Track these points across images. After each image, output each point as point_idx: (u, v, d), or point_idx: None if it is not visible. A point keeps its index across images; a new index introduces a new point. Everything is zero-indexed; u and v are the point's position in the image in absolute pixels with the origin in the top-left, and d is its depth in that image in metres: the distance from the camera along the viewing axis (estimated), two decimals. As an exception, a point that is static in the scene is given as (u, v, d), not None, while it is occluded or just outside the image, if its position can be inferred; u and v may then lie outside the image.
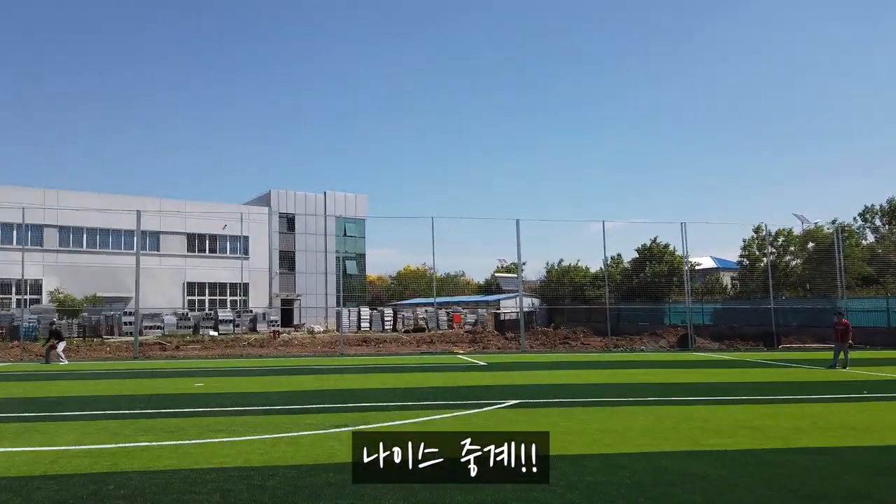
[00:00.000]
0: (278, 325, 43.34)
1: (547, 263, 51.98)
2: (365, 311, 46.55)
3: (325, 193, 54.70)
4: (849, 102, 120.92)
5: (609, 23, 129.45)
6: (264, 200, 53.05)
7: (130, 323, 34.08)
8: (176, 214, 46.31)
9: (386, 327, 45.16)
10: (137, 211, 26.81)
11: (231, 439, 7.70)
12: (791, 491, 5.44)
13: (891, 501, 5.27)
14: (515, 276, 43.69)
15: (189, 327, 38.89)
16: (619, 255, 46.49)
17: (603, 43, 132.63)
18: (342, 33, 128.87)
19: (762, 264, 37.40)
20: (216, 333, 37.45)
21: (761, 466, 6.36)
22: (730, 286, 45.53)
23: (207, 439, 7.71)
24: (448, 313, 47.70)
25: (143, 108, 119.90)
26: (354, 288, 54.33)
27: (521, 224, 27.69)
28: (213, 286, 49.10)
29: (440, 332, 37.18)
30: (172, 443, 7.50)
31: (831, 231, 33.81)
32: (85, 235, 44.70)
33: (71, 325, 34.94)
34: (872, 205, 46.89)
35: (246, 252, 48.04)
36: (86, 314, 37.31)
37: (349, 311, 44.97)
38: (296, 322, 49.58)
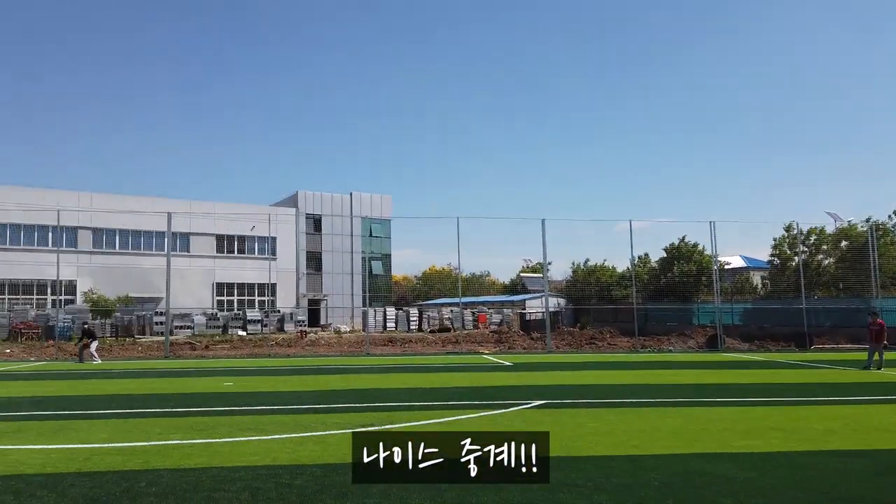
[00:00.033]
0: (305, 325, 43.72)
1: (573, 263, 51.68)
2: (391, 312, 46.73)
3: (350, 194, 55.05)
4: (882, 100, 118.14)
5: (634, 22, 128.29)
6: (291, 202, 53.57)
7: (161, 323, 34.66)
8: (205, 216, 47.04)
9: (411, 327, 45.29)
10: (168, 213, 27.28)
11: (259, 438, 7.79)
12: (823, 494, 5.35)
13: (928, 506, 5.14)
14: (541, 275, 43.53)
15: (218, 327, 39.44)
16: (646, 254, 45.98)
17: (627, 41, 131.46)
18: (367, 34, 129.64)
19: (794, 263, 36.69)
20: (245, 333, 37.92)
21: (793, 469, 6.25)
22: (760, 286, 44.75)
23: (237, 438, 7.82)
24: (473, 313, 47.68)
25: (174, 112, 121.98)
26: (380, 288, 54.59)
27: (546, 224, 27.58)
28: (241, 286, 49.74)
29: (465, 332, 37.17)
30: (203, 441, 7.63)
31: (865, 229, 33.03)
32: (117, 237, 45.61)
33: (104, 324, 35.67)
34: (908, 202, 45.69)
35: (273, 253, 48.55)
36: (118, 314, 38.05)
37: (375, 311, 45.18)
38: (322, 322, 49.97)
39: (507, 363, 20.54)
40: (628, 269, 38.65)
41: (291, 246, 51.92)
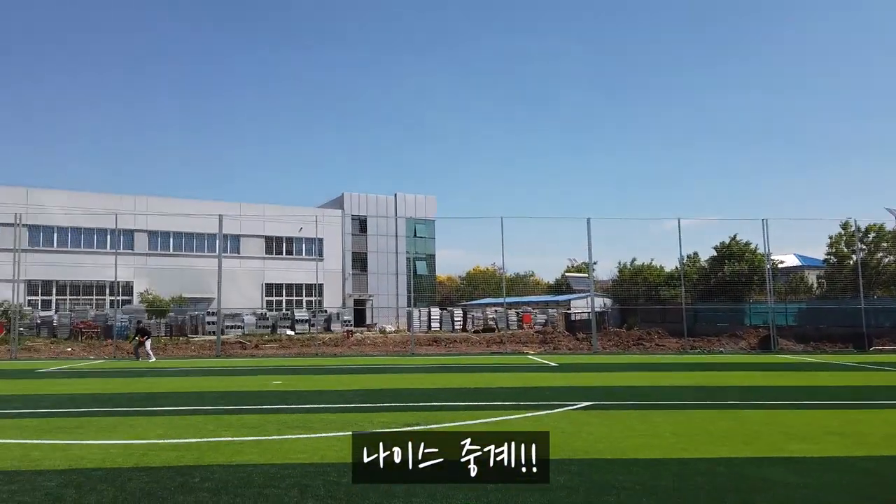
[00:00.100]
0: (351, 325, 44.22)
1: (619, 262, 50.97)
2: (435, 312, 46.85)
3: (395, 195, 55.47)
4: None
5: (680, 22, 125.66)
6: (337, 203, 54.29)
7: (213, 322, 35.54)
8: (255, 218, 48.10)
9: (456, 327, 45.33)
10: (219, 215, 28.00)
11: (308, 436, 7.93)
12: (882, 502, 5.15)
13: None
14: (586, 275, 43.02)
15: (267, 327, 40.22)
16: (695, 253, 45.01)
17: (669, 39, 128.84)
18: (409, 36, 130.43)
19: (851, 262, 35.39)
20: (293, 333, 38.60)
21: (850, 474, 6.04)
22: (815, 285, 43.29)
23: (286, 435, 7.98)
24: (518, 313, 47.43)
25: (224, 117, 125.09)
26: (424, 288, 54.82)
27: (591, 223, 27.27)
28: (289, 287, 50.64)
29: (510, 332, 37.04)
30: (253, 438, 7.80)
31: (928, 226, 31.62)
32: (171, 239, 46.99)
33: (159, 324, 36.81)
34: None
35: (321, 254, 49.27)
36: (172, 314, 39.18)
37: (419, 311, 45.38)
38: (368, 322, 50.48)
39: (553, 364, 20.38)
40: (677, 268, 37.94)
41: (338, 247, 52.61)
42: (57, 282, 43.05)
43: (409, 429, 8.25)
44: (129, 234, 44.39)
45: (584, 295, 48.95)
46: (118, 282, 33.33)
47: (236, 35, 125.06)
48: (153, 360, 23.12)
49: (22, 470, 6.24)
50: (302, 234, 49.74)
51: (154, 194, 47.73)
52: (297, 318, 41.75)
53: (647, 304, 41.05)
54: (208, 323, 38.09)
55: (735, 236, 41.64)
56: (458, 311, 47.89)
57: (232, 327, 38.13)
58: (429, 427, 8.36)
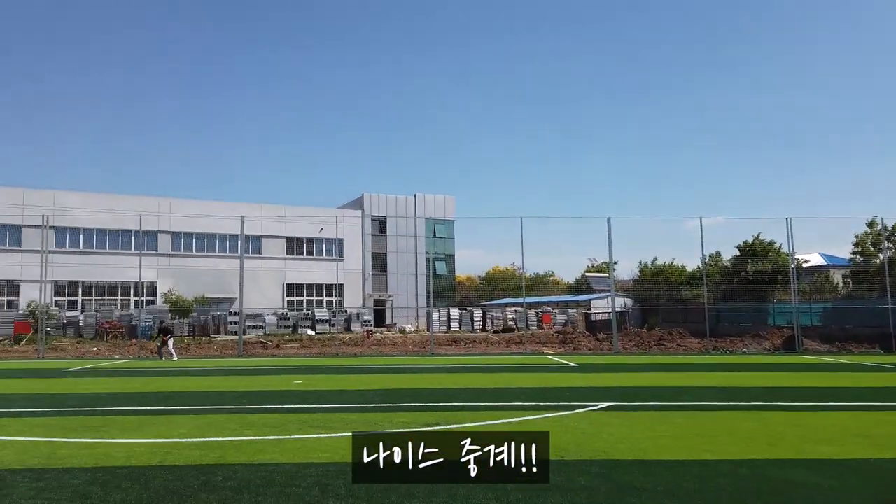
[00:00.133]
0: (371, 325, 44.39)
1: (640, 262, 50.48)
2: (454, 312, 46.83)
3: (414, 196, 55.58)
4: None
5: (705, 21, 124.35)
6: (357, 204, 54.54)
7: (235, 322, 35.87)
8: (276, 219, 48.51)
9: (475, 327, 45.27)
10: (241, 216, 28.28)
11: (329, 435, 7.97)
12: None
13: None
14: (607, 275, 42.71)
15: (288, 327, 40.49)
16: (717, 252, 44.46)
17: (693, 38, 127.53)
18: (429, 36, 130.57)
19: (878, 261, 34.71)
20: (313, 333, 38.83)
21: (876, 478, 5.94)
22: (841, 285, 42.53)
23: (307, 434, 8.03)
24: (537, 313, 47.25)
25: (247, 118, 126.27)
26: (444, 288, 54.85)
27: (612, 222, 27.10)
28: (310, 287, 50.98)
29: (530, 332, 36.91)
30: (275, 437, 7.87)
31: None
32: (194, 240, 47.57)
33: (182, 324, 37.25)
34: None
35: (341, 254, 49.54)
36: (195, 314, 39.64)
37: (439, 311, 45.38)
38: (388, 322, 50.63)
39: (573, 364, 20.29)
40: (699, 267, 37.50)
41: (358, 247, 52.86)
42: (83, 282, 43.78)
43: (427, 429, 8.27)
44: (153, 235, 45.00)
45: (604, 295, 48.63)
46: (142, 282, 33.85)
47: (255, 35, 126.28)
48: (175, 359, 23.42)
49: (49, 468, 6.36)
50: (322, 234, 50.07)
51: (176, 196, 48.19)
52: (317, 318, 42.00)
53: (668, 304, 40.65)
54: (230, 323, 38.46)
55: (759, 235, 41.11)
56: (477, 312, 47.82)
57: (254, 327, 38.46)
58: (448, 427, 8.36)
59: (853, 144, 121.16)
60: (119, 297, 44.53)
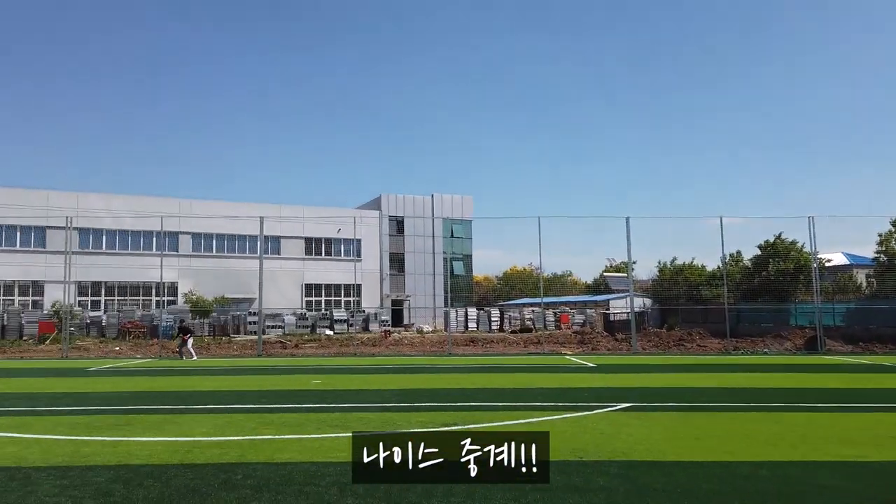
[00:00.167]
0: (389, 325, 44.51)
1: (659, 262, 50.08)
2: (472, 312, 46.81)
3: (432, 196, 55.64)
4: None
5: (733, 20, 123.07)
6: (375, 204, 54.73)
7: (254, 322, 36.19)
8: (295, 220, 48.84)
9: (493, 327, 45.22)
10: (260, 217, 28.51)
11: (347, 434, 7.99)
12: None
13: None
14: (625, 275, 42.47)
15: (307, 326, 40.76)
16: (738, 252, 43.98)
17: (715, 29, 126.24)
18: (448, 37, 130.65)
19: (903, 260, 34.13)
20: (332, 333, 39.04)
21: (903, 481, 5.84)
22: (864, 284, 41.85)
23: (325, 434, 8.08)
24: (555, 314, 47.08)
25: (268, 121, 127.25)
26: (461, 288, 54.86)
27: (630, 222, 26.97)
28: (328, 287, 51.26)
29: (547, 332, 36.78)
30: (294, 436, 7.92)
31: None
32: (214, 241, 48.05)
33: (202, 324, 37.64)
34: None
35: (358, 254, 49.75)
36: (215, 314, 40.03)
37: (456, 311, 45.38)
38: (405, 322, 50.75)
39: (591, 364, 20.18)
40: (719, 267, 37.14)
41: (375, 248, 53.04)
42: (105, 283, 44.41)
43: (446, 428, 8.28)
44: (175, 236, 45.51)
45: (623, 295, 48.38)
46: (164, 283, 34.25)
47: (269, 33, 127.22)
48: (195, 358, 23.65)
49: (73, 465, 6.47)
50: (340, 235, 50.32)
51: (196, 197, 48.71)
52: (335, 318, 42.22)
53: (687, 304, 40.26)
54: (250, 323, 38.81)
55: (780, 234, 40.62)
56: (495, 312, 47.76)
57: (273, 327, 38.76)
58: (466, 427, 8.37)
59: (877, 142, 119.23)
60: (141, 298, 45.11)
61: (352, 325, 39.02)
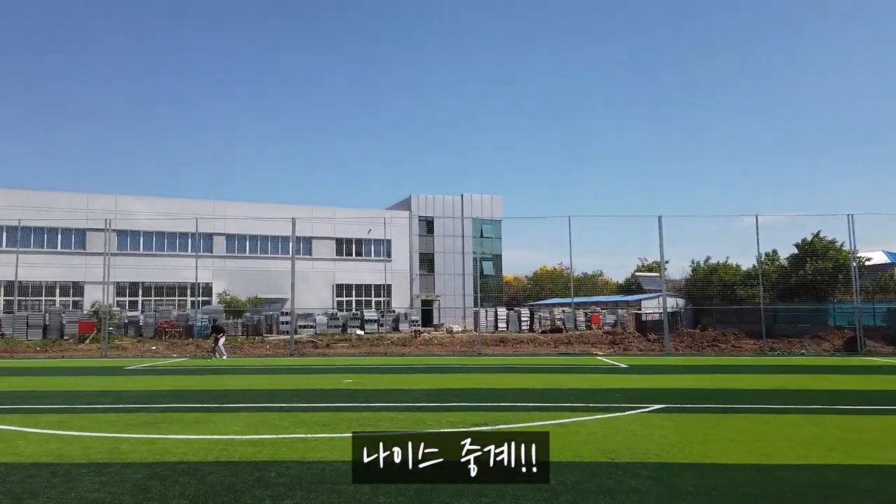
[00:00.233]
0: (419, 325, 44.63)
1: (692, 261, 49.34)
2: (502, 312, 46.70)
3: (461, 196, 55.65)
4: None
5: (771, 21, 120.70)
6: (405, 205, 54.92)
7: (287, 322, 36.62)
8: (326, 221, 49.29)
9: (523, 328, 45.03)
10: (292, 218, 28.86)
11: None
12: None
13: None
14: (657, 275, 41.89)
15: (338, 326, 41.09)
16: (774, 251, 43.09)
17: (748, 24, 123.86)
18: (475, 36, 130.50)
19: (948, 258, 33.05)
20: (362, 332, 39.30)
21: (949, 487, 5.66)
22: (907, 283, 40.61)
23: (357, 433, 8.12)
24: (586, 314, 46.69)
25: (302, 122, 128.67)
26: (491, 288, 54.74)
27: (663, 221, 26.60)
28: (359, 287, 51.61)
29: (578, 332, 36.51)
30: (326, 435, 7.99)
31: None
32: (248, 242, 48.74)
33: (236, 324, 38.24)
34: None
35: (389, 255, 49.99)
36: (248, 314, 40.62)
37: (486, 311, 45.33)
38: (435, 322, 50.82)
39: (623, 365, 19.96)
40: (754, 266, 36.44)
41: (405, 248, 53.23)
42: (142, 283, 45.36)
43: (476, 429, 8.27)
44: (209, 237, 46.28)
45: (655, 295, 47.73)
46: (198, 283, 34.88)
47: (301, 33, 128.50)
48: (225, 357, 23.98)
49: (112, 462, 6.62)
50: (371, 235, 50.63)
51: (230, 199, 49.46)
52: (366, 318, 42.49)
53: (722, 305, 39.59)
54: (282, 323, 39.28)
55: (818, 233, 39.71)
56: (524, 312, 47.57)
57: (304, 327, 39.17)
58: (497, 427, 8.35)
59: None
60: (176, 298, 45.97)
61: (382, 325, 39.21)
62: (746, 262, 45.17)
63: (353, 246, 51.87)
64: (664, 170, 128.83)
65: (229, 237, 47.87)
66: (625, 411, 9.88)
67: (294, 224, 28.45)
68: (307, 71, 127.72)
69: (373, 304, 51.03)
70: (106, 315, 29.40)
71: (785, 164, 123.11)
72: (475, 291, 43.29)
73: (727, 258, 45.99)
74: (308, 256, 49.14)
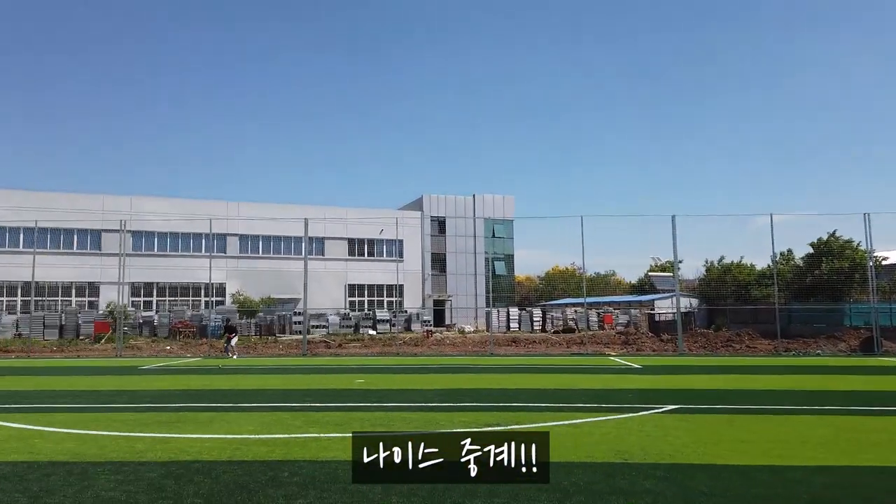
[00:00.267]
0: (431, 325, 44.66)
1: (706, 261, 49.02)
2: (514, 312, 46.62)
3: (473, 196, 55.61)
4: None
5: (784, 19, 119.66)
6: (417, 205, 54.97)
7: (299, 322, 36.77)
8: (338, 221, 49.45)
9: (535, 328, 44.93)
10: (305, 219, 28.98)
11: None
12: None
13: None
14: (671, 274, 41.66)
15: (350, 326, 41.22)
16: (789, 250, 42.73)
17: (762, 23, 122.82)
18: (488, 37, 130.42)
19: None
20: (374, 332, 39.40)
21: (968, 489, 5.58)
22: (925, 283, 40.13)
23: (357, 433, 8.14)
24: (598, 314, 46.51)
25: (313, 123, 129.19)
26: (503, 288, 54.65)
27: (676, 220, 26.46)
28: (371, 288, 51.72)
29: (590, 333, 36.38)
30: (338, 435, 8.01)
31: None
32: (260, 242, 48.98)
33: (249, 324, 38.45)
34: None
35: (401, 255, 50.06)
36: (261, 314, 40.85)
37: (498, 311, 45.28)
38: (447, 322, 50.83)
39: (636, 365, 19.86)
40: (769, 266, 36.18)
41: (417, 248, 53.28)
42: (157, 284, 45.72)
43: (489, 429, 8.27)
44: (222, 238, 46.56)
45: (668, 295, 47.51)
46: (212, 283, 35.10)
47: (312, 34, 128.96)
48: (235, 357, 24.10)
49: (127, 461, 6.68)
50: (383, 236, 50.73)
51: (243, 200, 49.73)
52: (378, 318, 42.59)
53: (736, 304, 39.30)
54: (295, 323, 39.46)
55: (834, 232, 39.33)
56: (537, 312, 47.46)
57: (317, 327, 39.33)
58: (509, 427, 8.34)
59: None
60: (190, 298, 46.28)
61: (394, 325, 39.28)
62: (761, 262, 44.86)
63: (366, 246, 51.99)
64: (677, 169, 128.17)
65: (242, 238, 48.14)
66: (638, 412, 9.83)
67: (307, 224, 28.58)
68: (318, 72, 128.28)
69: (385, 304, 51.12)
70: (121, 315, 29.67)
71: (799, 163, 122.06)
72: (487, 291, 43.25)
73: (741, 258, 45.70)
74: (321, 257, 49.32)
